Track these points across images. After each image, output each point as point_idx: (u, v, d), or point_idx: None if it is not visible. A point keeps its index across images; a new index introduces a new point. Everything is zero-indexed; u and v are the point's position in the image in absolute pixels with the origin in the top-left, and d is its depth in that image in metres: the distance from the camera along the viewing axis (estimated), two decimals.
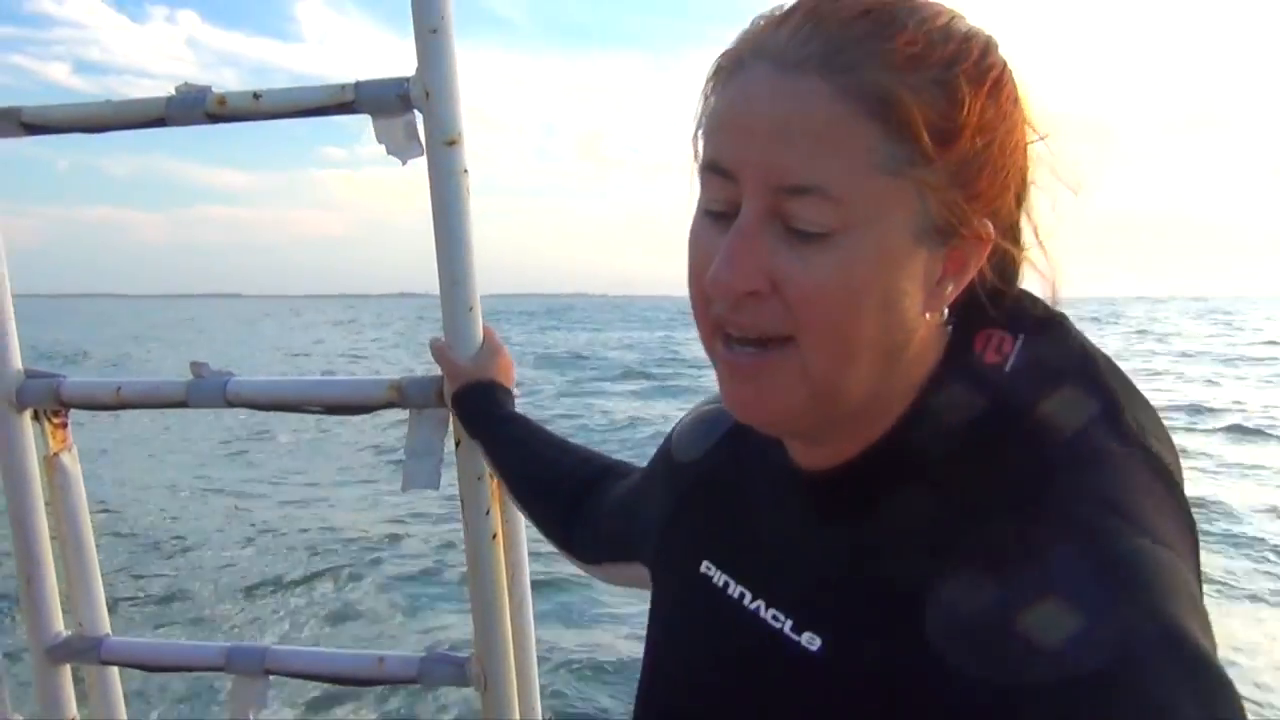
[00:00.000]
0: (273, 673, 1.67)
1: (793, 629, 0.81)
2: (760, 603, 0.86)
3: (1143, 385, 0.81)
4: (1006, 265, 0.81)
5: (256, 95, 1.49)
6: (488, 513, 1.56)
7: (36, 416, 1.73)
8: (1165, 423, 0.81)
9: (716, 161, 0.76)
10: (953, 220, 0.75)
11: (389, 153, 1.46)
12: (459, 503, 1.57)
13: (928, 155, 0.72)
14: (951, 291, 0.78)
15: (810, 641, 0.79)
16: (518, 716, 1.61)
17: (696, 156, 0.80)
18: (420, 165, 1.45)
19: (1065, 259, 0.83)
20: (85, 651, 1.77)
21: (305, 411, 1.62)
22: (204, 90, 1.50)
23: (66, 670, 1.79)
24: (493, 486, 1.56)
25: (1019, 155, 0.78)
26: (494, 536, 1.57)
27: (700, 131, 0.80)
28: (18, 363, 1.70)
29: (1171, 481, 0.75)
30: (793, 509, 0.87)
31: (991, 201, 0.76)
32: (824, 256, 0.73)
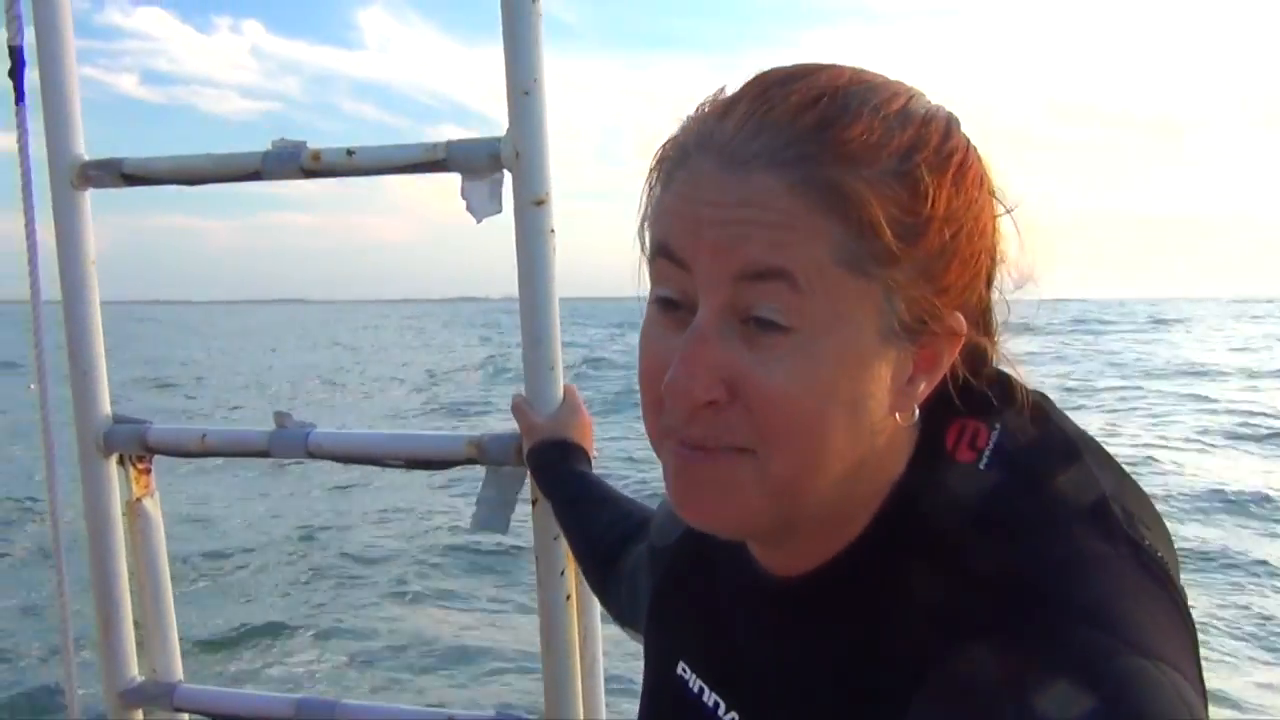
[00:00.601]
0: None
1: None
2: (734, 715, 0.82)
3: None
4: (977, 354, 0.76)
5: (350, 152, 1.52)
6: (563, 573, 1.55)
7: (121, 461, 1.75)
8: None
9: (667, 246, 0.71)
10: (923, 318, 0.70)
11: (468, 209, 1.47)
12: (534, 562, 1.56)
13: (893, 253, 0.67)
14: (924, 390, 0.73)
15: None
16: None
17: (643, 248, 0.76)
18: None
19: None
20: (159, 697, 1.78)
21: (385, 465, 1.63)
22: (299, 146, 1.53)
23: (139, 716, 1.80)
24: (567, 547, 1.55)
25: (987, 238, 0.73)
26: (568, 598, 1.55)
27: (646, 224, 0.75)
28: (107, 408, 1.74)
29: (1165, 578, 0.70)
30: (761, 615, 0.82)
31: (962, 293, 0.72)
32: (787, 358, 0.67)
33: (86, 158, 1.67)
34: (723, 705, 0.84)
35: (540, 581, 1.56)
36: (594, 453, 1.51)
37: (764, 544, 0.81)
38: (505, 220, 1.47)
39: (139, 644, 1.81)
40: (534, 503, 1.54)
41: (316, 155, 1.53)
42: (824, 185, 0.66)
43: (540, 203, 1.44)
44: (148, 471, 1.79)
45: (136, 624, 1.80)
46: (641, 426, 0.79)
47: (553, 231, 1.46)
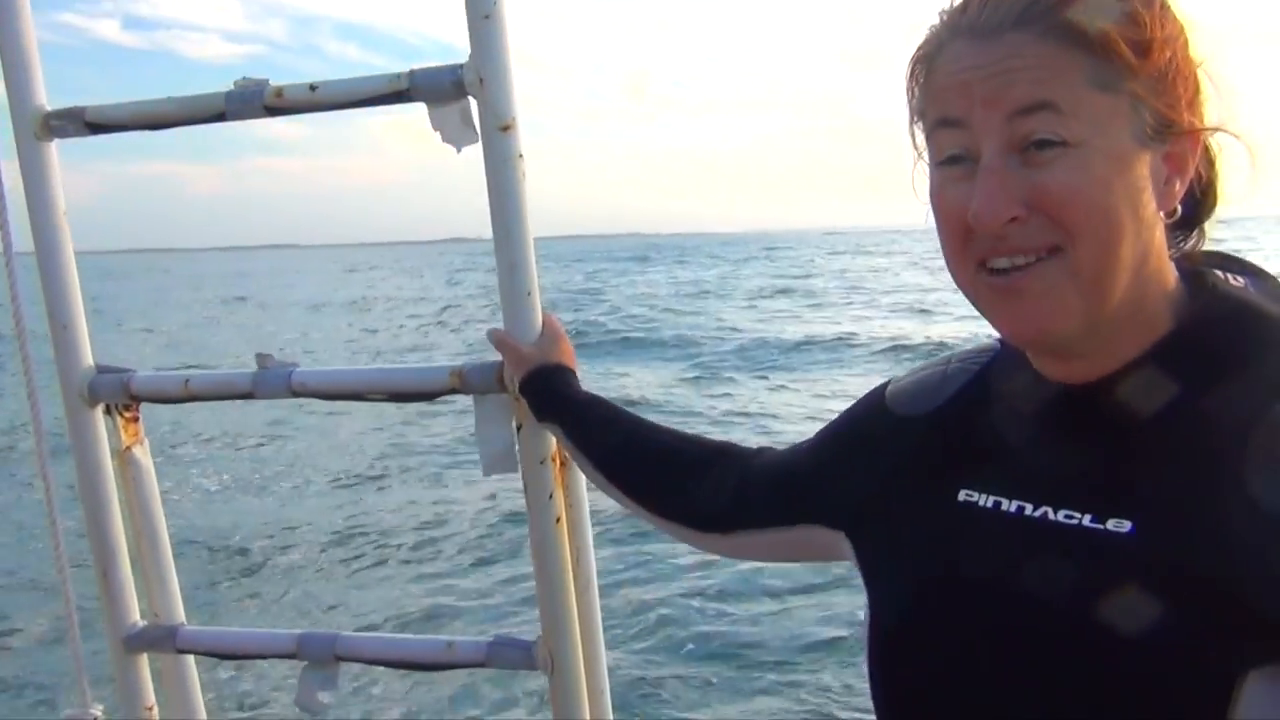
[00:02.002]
0: (343, 659, 1.69)
1: (1093, 520, 0.86)
2: (1046, 509, 0.90)
3: None
4: (1208, 173, 0.93)
5: (313, 87, 1.51)
6: (551, 497, 1.56)
7: (109, 411, 1.76)
8: None
9: (945, 116, 0.87)
10: (1166, 120, 0.85)
11: (444, 140, 1.47)
12: (522, 487, 1.58)
13: (1132, 68, 0.83)
14: (1179, 189, 0.89)
15: (1119, 525, 0.84)
16: (585, 699, 1.62)
17: (916, 146, 0.94)
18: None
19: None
20: (161, 640, 1.80)
21: (368, 400, 1.64)
22: (262, 84, 1.52)
23: (143, 660, 1.83)
24: (555, 470, 1.56)
25: (1196, 69, 0.88)
26: (558, 520, 1.57)
27: (916, 118, 0.93)
28: (89, 359, 1.74)
29: None
30: (1062, 424, 0.93)
31: (1188, 105, 0.87)
32: (1067, 163, 0.82)
33: (49, 108, 1.65)
34: (1028, 506, 0.91)
35: (530, 507, 1.57)
36: (579, 374, 1.53)
37: (1066, 355, 0.91)
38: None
39: (139, 591, 1.83)
40: (519, 428, 1.55)
41: (279, 92, 1.51)
42: (1064, 26, 0.82)
43: (506, 128, 1.44)
44: (135, 420, 1.80)
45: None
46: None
47: (521, 156, 1.45)
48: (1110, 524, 0.85)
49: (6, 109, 1.65)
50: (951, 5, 0.90)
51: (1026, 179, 0.83)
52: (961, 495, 0.96)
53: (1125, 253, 0.84)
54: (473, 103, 1.45)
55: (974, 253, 0.88)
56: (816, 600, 7.21)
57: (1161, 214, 0.88)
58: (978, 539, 0.93)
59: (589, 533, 1.63)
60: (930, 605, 0.96)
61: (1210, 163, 0.94)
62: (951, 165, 0.88)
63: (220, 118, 1.55)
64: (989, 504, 0.94)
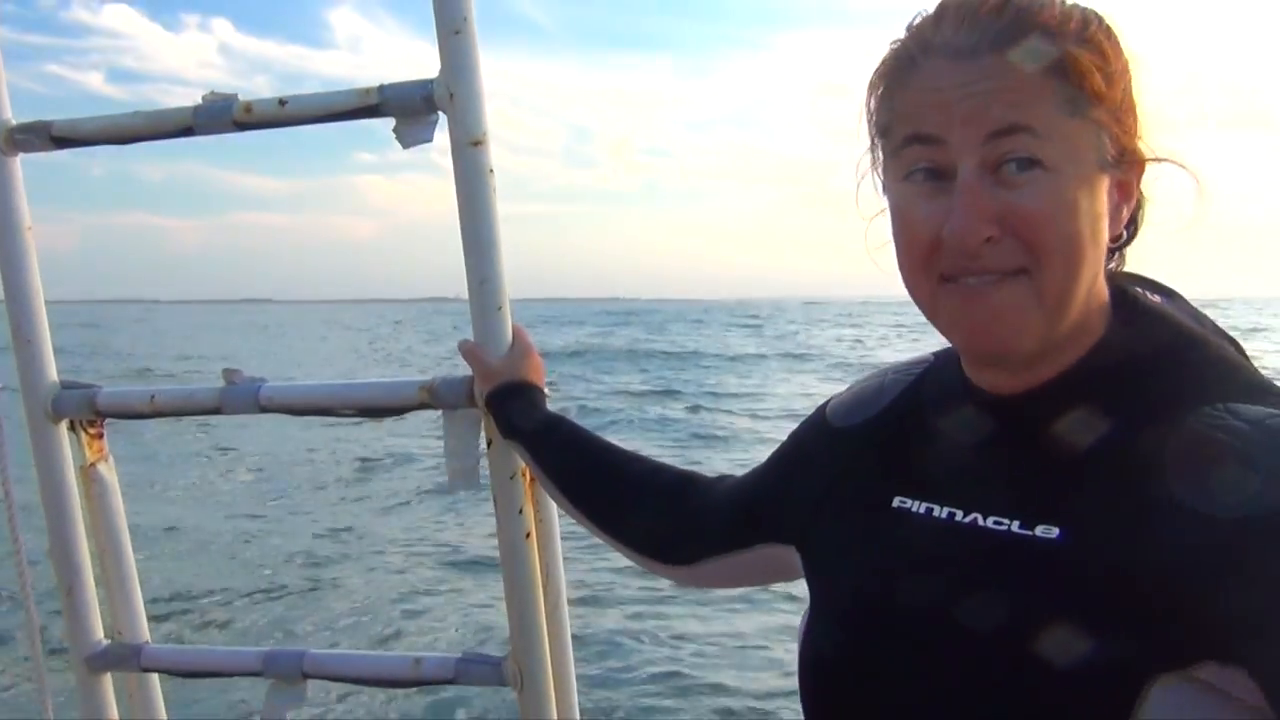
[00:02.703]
0: (310, 676, 1.67)
1: (1022, 527, 0.88)
2: (976, 515, 0.92)
3: None
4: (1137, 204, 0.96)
5: (282, 102, 1.50)
6: (520, 511, 1.56)
7: (73, 427, 1.74)
8: None
9: (920, 132, 0.88)
10: (1121, 148, 0.89)
11: (398, 139, 1.46)
12: (491, 502, 1.57)
13: (1099, 95, 0.86)
14: (1125, 215, 0.93)
15: (1047, 531, 0.87)
16: (555, 716, 1.61)
17: (874, 148, 0.96)
18: (450, 167, 1.45)
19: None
20: (125, 659, 1.78)
21: (338, 415, 1.62)
22: (230, 99, 1.51)
23: (107, 679, 1.81)
24: (525, 485, 1.56)
25: (1138, 102, 0.92)
26: (527, 535, 1.56)
27: (877, 125, 0.95)
28: (53, 374, 1.72)
29: None
30: (993, 433, 0.95)
31: (1135, 136, 0.91)
32: (1042, 186, 0.84)
33: (14, 122, 1.63)
34: (959, 512, 0.94)
35: (499, 521, 1.57)
36: (547, 392, 1.53)
37: (1012, 369, 0.93)
38: None
39: (103, 610, 1.81)
40: (488, 442, 1.55)
41: (249, 107, 1.50)
42: (1040, 53, 0.85)
43: (477, 143, 1.43)
44: (100, 436, 1.78)
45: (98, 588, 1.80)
46: None
47: (492, 171, 1.45)
48: (1039, 530, 0.87)
49: None
50: (921, 22, 0.91)
51: (1001, 199, 0.85)
52: (896, 502, 1.00)
53: (1085, 276, 0.87)
54: (443, 118, 1.44)
55: (937, 268, 0.89)
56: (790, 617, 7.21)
57: (1106, 241, 0.90)
58: (910, 544, 0.96)
59: (559, 547, 1.63)
60: (864, 610, 0.99)
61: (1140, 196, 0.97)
62: (921, 180, 0.89)
63: (188, 132, 1.54)
64: (921, 510, 0.97)
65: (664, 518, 1.32)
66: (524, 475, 1.55)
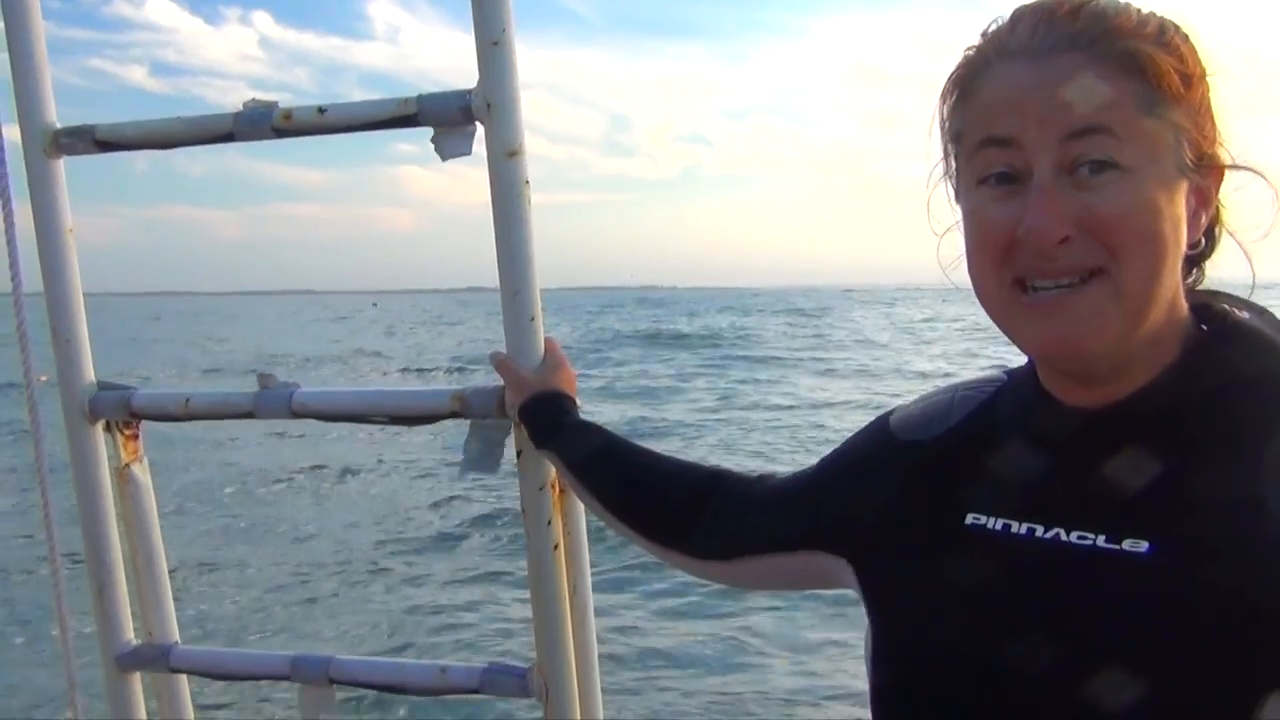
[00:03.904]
0: (336, 681, 1.68)
1: (1108, 540, 0.86)
2: (1058, 530, 0.89)
3: None
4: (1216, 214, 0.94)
5: (321, 110, 1.51)
6: (549, 523, 1.56)
7: (109, 428, 1.76)
8: None
9: (994, 134, 0.87)
10: (1200, 152, 0.88)
11: (436, 150, 1.47)
12: (520, 513, 1.57)
13: (1178, 97, 0.85)
14: (1204, 221, 0.91)
15: (1135, 545, 0.85)
16: None
17: (948, 156, 0.95)
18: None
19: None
20: (155, 660, 1.79)
21: (369, 422, 1.63)
22: (271, 106, 1.53)
23: (136, 678, 1.82)
24: (554, 497, 1.56)
25: (1216, 108, 0.91)
26: (555, 547, 1.57)
27: (952, 139, 0.94)
28: (91, 375, 1.74)
29: None
30: (1074, 448, 0.92)
31: (1215, 142, 0.90)
32: (1119, 187, 0.83)
33: (58, 125, 1.66)
34: (1039, 528, 0.91)
35: (528, 532, 1.57)
36: (579, 403, 1.53)
37: (1088, 378, 0.91)
38: None
39: (134, 609, 1.82)
40: (519, 453, 1.55)
41: (288, 115, 1.52)
42: (1119, 53, 0.84)
43: (514, 154, 1.44)
44: (135, 437, 1.79)
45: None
46: None
47: (527, 183, 1.46)
48: (1126, 544, 0.85)
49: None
50: (997, 27, 0.91)
51: (1077, 200, 0.84)
52: (969, 519, 0.96)
53: (1166, 278, 0.86)
54: (480, 128, 1.45)
55: (1011, 270, 0.88)
56: (830, 629, 7.17)
57: (1185, 247, 0.89)
58: (985, 562, 0.93)
59: (586, 560, 1.63)
60: (940, 630, 0.95)
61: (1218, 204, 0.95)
62: (995, 184, 0.88)
63: (229, 138, 1.56)
64: (998, 526, 0.94)
65: (700, 514, 1.29)
66: (553, 487, 1.55)
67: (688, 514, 1.31)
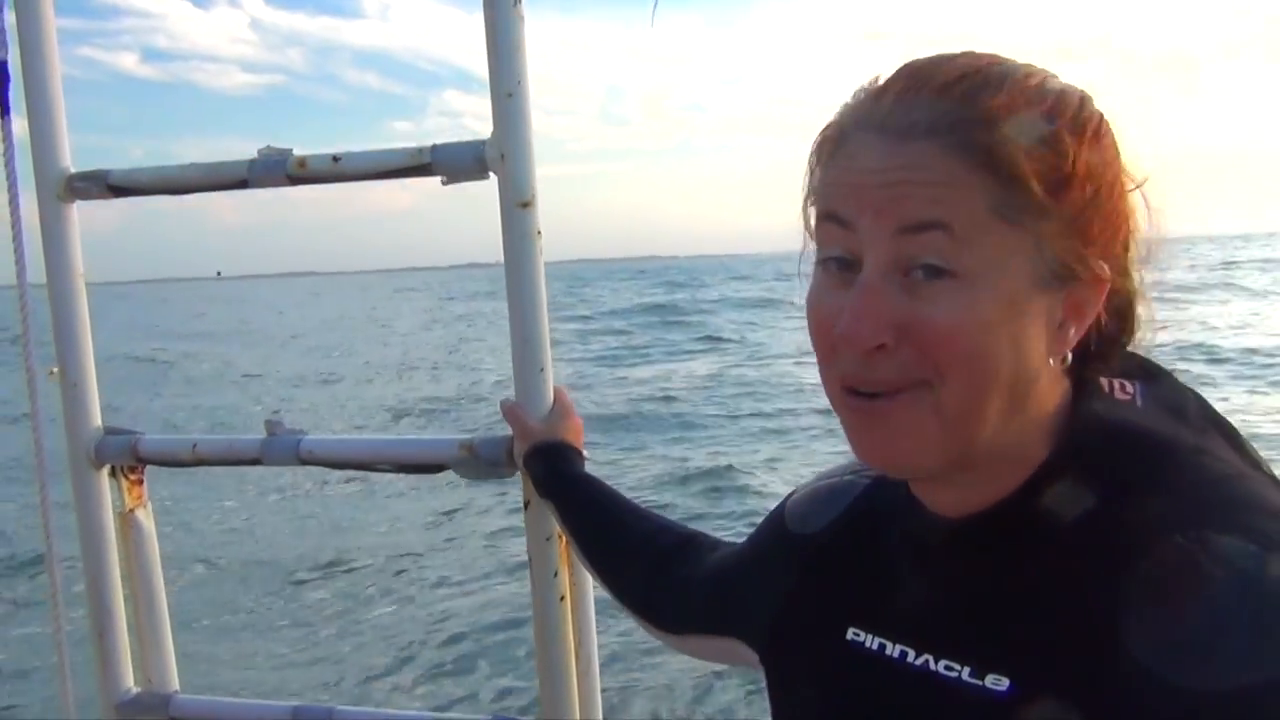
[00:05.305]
0: None
1: (972, 675, 0.81)
2: (927, 657, 0.84)
3: None
4: (1123, 309, 0.85)
5: (336, 158, 1.53)
6: (556, 574, 1.55)
7: (114, 473, 1.75)
8: None
9: (833, 211, 0.79)
10: (1071, 265, 0.77)
11: (442, 181, 1.49)
12: (527, 564, 1.56)
13: (1041, 204, 0.75)
14: (1074, 335, 0.81)
15: (996, 683, 0.79)
16: None
17: (807, 225, 0.85)
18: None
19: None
20: (155, 708, 1.78)
21: (376, 470, 1.63)
22: (285, 153, 1.54)
23: None
24: (561, 548, 1.55)
25: (1125, 201, 0.81)
26: (562, 599, 1.56)
27: (809, 201, 0.85)
28: (97, 419, 1.74)
29: None
30: (941, 560, 0.87)
31: (1105, 247, 0.79)
32: (950, 298, 0.75)
33: (73, 170, 1.67)
34: (911, 652, 0.86)
35: (534, 583, 1.56)
36: (585, 454, 1.52)
37: (938, 484, 0.86)
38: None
39: (134, 656, 1.81)
40: (526, 504, 1.54)
41: (302, 162, 1.53)
42: (975, 146, 0.74)
43: (526, 205, 1.45)
44: (140, 482, 1.79)
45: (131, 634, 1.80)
46: None
47: (539, 233, 1.46)
48: (989, 680, 0.79)
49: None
50: (867, 91, 0.82)
51: (903, 306, 0.76)
52: (850, 634, 0.92)
53: (995, 399, 0.77)
54: (494, 178, 1.46)
55: (839, 370, 0.81)
56: None
57: (1051, 360, 0.80)
58: (861, 682, 0.90)
59: (592, 612, 1.62)
60: None
61: (1128, 302, 0.85)
62: (834, 268, 0.80)
63: (243, 185, 1.57)
64: (875, 646, 0.90)
65: (655, 582, 1.28)
66: (560, 539, 1.54)
67: (650, 583, 1.30)
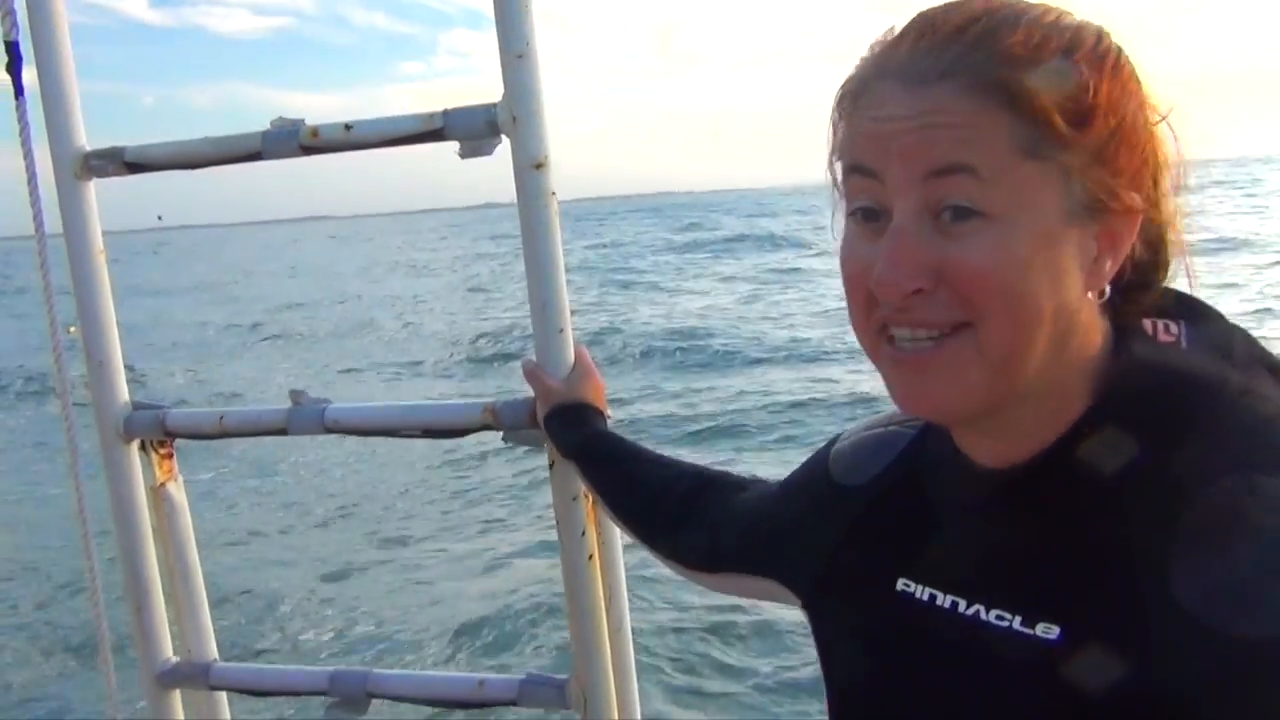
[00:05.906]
0: (375, 696, 1.68)
1: (1023, 624, 0.81)
2: (979, 607, 0.85)
3: None
4: (1155, 240, 0.84)
5: (348, 127, 1.53)
6: (583, 534, 1.56)
7: (144, 447, 1.77)
8: None
9: (859, 163, 0.80)
10: (1100, 197, 0.77)
11: (459, 152, 1.49)
12: (555, 525, 1.57)
13: (1064, 138, 0.75)
14: (1110, 268, 0.81)
15: (1047, 631, 0.79)
16: None
17: (835, 181, 0.85)
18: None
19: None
20: (194, 677, 1.81)
21: (402, 436, 1.64)
22: (297, 124, 1.54)
23: (176, 696, 1.83)
24: (588, 507, 1.56)
25: (1149, 130, 0.81)
26: (590, 557, 1.57)
27: (834, 156, 0.85)
28: (125, 395, 1.75)
29: None
30: (989, 511, 0.87)
31: (1134, 177, 0.79)
32: (984, 237, 0.75)
33: (88, 148, 1.67)
34: (962, 602, 0.86)
35: (562, 543, 1.57)
36: (608, 413, 1.53)
37: (980, 433, 0.86)
38: None
39: (172, 627, 1.84)
40: (551, 465, 1.55)
41: (315, 132, 1.53)
42: (996, 85, 0.74)
43: (540, 166, 1.45)
44: (170, 456, 1.81)
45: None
46: None
47: (554, 194, 1.46)
48: (1040, 629, 0.79)
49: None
50: (886, 37, 0.82)
51: (938, 248, 0.76)
52: (899, 585, 0.92)
53: (1039, 336, 0.77)
54: (506, 141, 1.46)
55: (877, 317, 0.81)
56: None
57: (1090, 294, 0.80)
58: (913, 632, 0.90)
59: (622, 569, 1.63)
60: (861, 699, 0.95)
61: (1160, 233, 0.85)
62: (861, 219, 0.81)
63: (256, 157, 1.58)
64: (925, 597, 0.90)
65: (683, 524, 1.29)
66: (586, 498, 1.55)
67: (676, 524, 1.31)
